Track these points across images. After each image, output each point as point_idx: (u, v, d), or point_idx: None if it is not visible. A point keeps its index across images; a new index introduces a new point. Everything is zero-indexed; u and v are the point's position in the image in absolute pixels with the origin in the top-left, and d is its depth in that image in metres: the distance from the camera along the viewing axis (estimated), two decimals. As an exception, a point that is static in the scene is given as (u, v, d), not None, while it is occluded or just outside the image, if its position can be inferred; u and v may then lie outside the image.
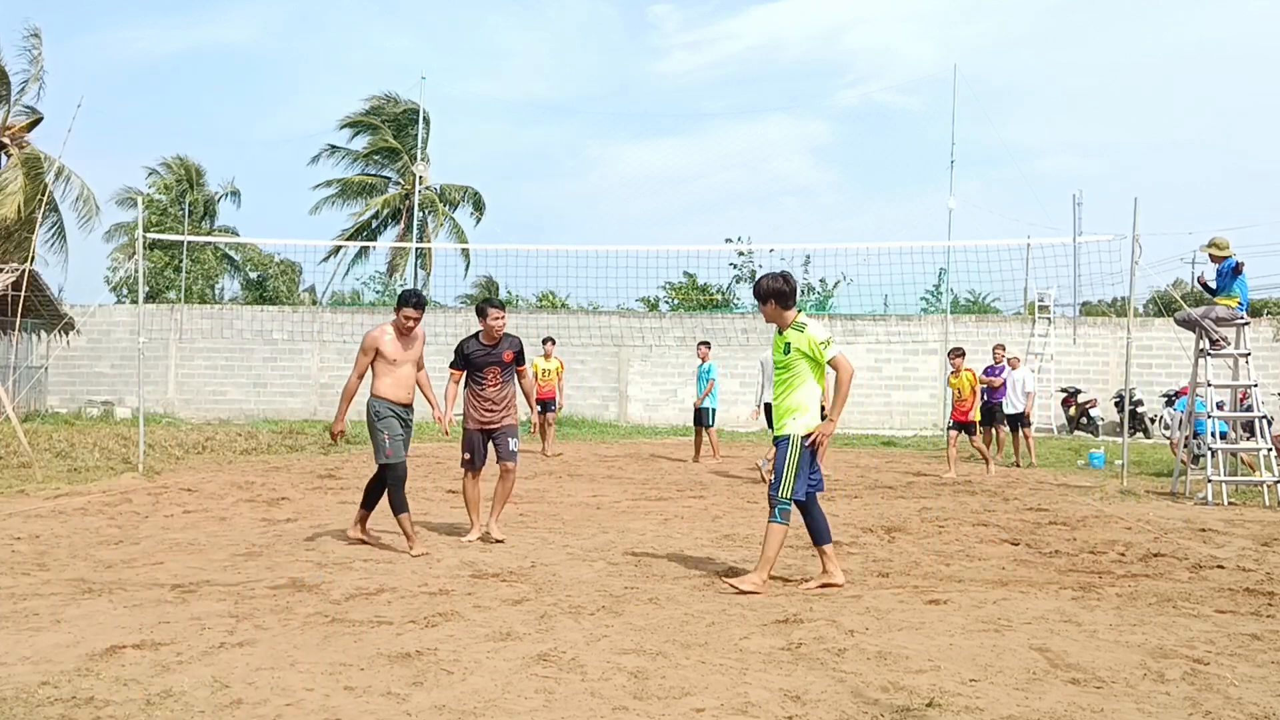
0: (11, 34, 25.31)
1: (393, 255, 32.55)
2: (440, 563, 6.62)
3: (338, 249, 31.99)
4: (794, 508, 5.84)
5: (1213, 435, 10.61)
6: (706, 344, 14.53)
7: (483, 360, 7.41)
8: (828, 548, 5.99)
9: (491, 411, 7.42)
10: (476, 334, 7.53)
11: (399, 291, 7.70)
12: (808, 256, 25.47)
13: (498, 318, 7.38)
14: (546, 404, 14.72)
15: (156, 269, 28.47)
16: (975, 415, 13.05)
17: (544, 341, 15.10)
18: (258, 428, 18.86)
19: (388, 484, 7.07)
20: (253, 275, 33.77)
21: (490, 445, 7.47)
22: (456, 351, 7.59)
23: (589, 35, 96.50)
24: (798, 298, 6.10)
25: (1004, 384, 14.87)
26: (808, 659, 4.45)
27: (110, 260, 32.71)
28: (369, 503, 7.30)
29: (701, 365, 14.38)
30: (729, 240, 26.90)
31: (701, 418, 14.22)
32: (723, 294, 26.95)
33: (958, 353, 13.20)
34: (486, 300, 7.62)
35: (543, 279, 27.43)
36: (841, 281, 25.04)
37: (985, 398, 15.54)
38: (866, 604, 5.51)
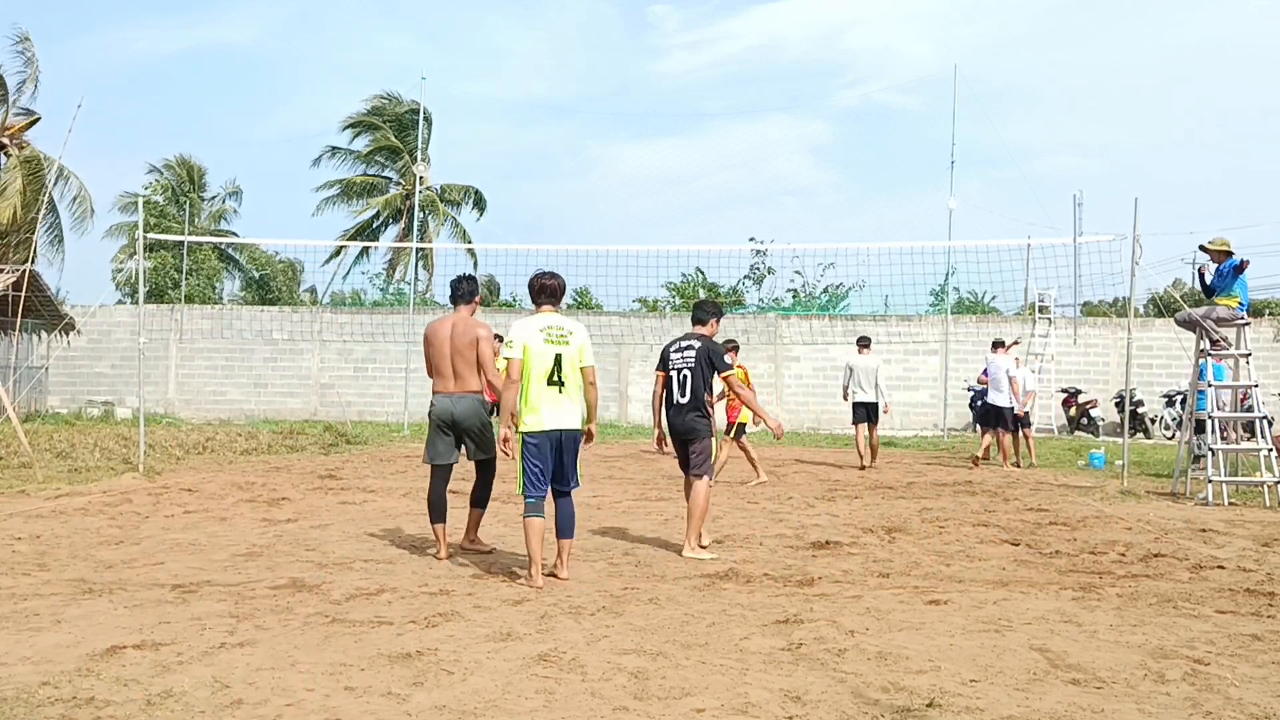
0: (5, 36, 25.34)
1: (394, 255, 32.59)
2: (440, 563, 6.62)
3: (339, 249, 32.03)
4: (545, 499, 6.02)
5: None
6: None
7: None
8: (565, 543, 6.16)
9: None
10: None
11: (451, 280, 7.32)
12: (831, 263, 25.61)
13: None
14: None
15: (158, 269, 28.47)
16: (744, 416, 11.66)
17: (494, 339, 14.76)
18: (258, 428, 18.87)
19: (486, 478, 7.05)
20: (255, 274, 33.75)
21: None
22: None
23: (589, 35, 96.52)
24: (560, 298, 6.22)
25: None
26: (808, 659, 4.45)
27: (114, 262, 32.74)
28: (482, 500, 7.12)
29: None
30: (751, 240, 26.93)
31: None
32: (734, 293, 26.91)
33: (731, 345, 11.35)
34: (711, 304, 7.53)
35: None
36: (856, 286, 25.10)
37: (983, 399, 15.55)
38: (867, 604, 5.51)
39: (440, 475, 6.90)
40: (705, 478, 7.05)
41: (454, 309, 7.01)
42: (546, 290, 6.15)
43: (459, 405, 6.76)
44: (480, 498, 7.07)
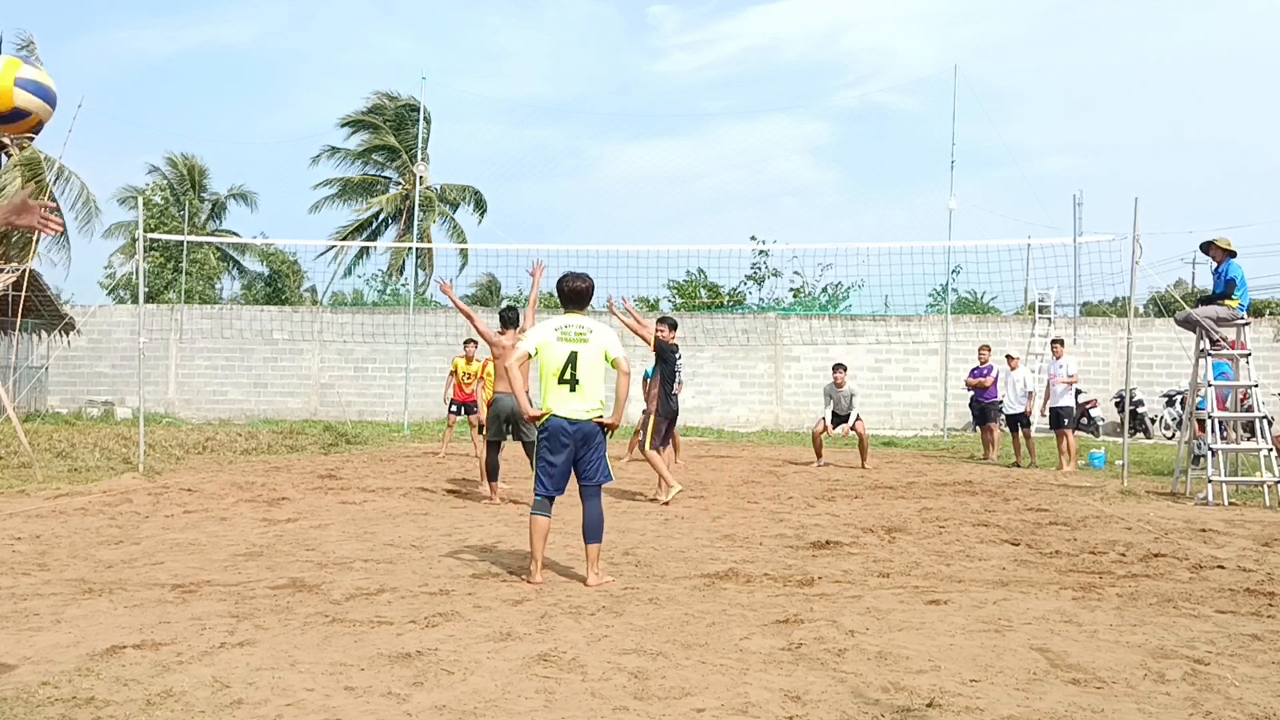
0: (10, 40, 25.43)
1: (393, 255, 32.57)
2: (440, 563, 6.62)
3: (333, 248, 32.01)
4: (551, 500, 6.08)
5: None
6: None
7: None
8: (592, 548, 6.06)
9: None
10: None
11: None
12: (830, 263, 25.66)
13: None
14: (469, 407, 14.40)
15: (155, 269, 28.47)
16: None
17: (465, 344, 14.65)
18: (258, 428, 18.87)
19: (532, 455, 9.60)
20: (264, 271, 33.63)
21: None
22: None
23: (588, 36, 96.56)
24: (586, 302, 6.30)
25: (994, 384, 14.89)
26: (808, 659, 4.45)
27: (109, 261, 32.75)
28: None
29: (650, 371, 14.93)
30: (753, 239, 26.94)
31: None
32: (734, 294, 26.90)
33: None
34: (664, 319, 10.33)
35: (544, 279, 27.39)
36: (855, 285, 25.14)
37: (976, 397, 15.56)
38: (867, 604, 5.51)
39: (494, 449, 9.70)
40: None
41: (503, 331, 9.60)
42: (575, 294, 6.18)
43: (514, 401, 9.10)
44: (493, 474, 9.80)
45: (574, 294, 6.17)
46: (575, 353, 5.97)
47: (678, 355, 10.23)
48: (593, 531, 6.06)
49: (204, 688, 3.96)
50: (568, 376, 5.96)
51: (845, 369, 14.35)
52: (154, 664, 4.26)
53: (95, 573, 6.15)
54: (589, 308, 6.32)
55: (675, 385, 10.19)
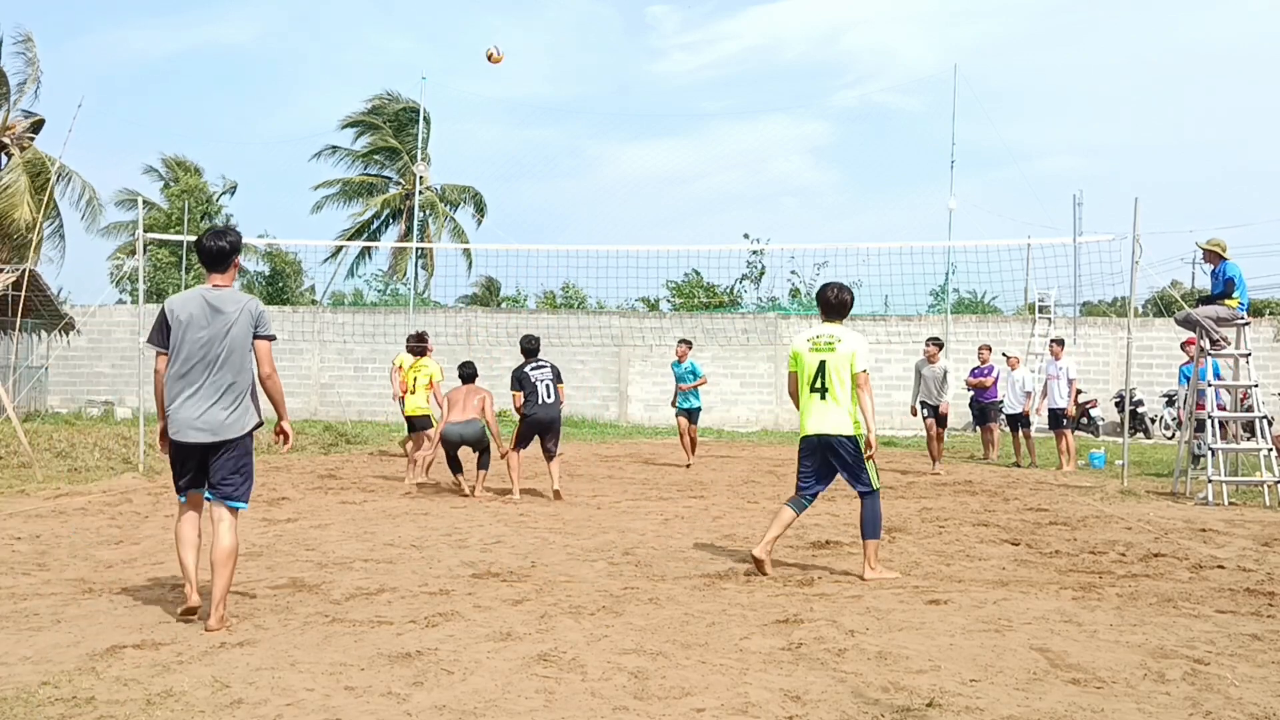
0: (8, 36, 25.68)
1: (393, 255, 32.57)
2: (440, 563, 6.62)
3: (338, 249, 32.01)
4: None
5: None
6: (687, 342, 14.37)
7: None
8: (869, 544, 6.35)
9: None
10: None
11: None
12: (825, 261, 25.65)
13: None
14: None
15: (162, 266, 28.49)
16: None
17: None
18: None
19: (484, 457, 10.43)
20: (267, 271, 33.57)
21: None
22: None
23: (588, 36, 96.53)
24: (841, 313, 6.53)
25: (994, 384, 14.89)
26: (808, 659, 4.45)
27: (112, 261, 32.77)
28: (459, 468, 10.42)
29: (680, 364, 14.13)
30: (746, 237, 26.94)
31: (692, 417, 14.09)
32: (730, 294, 26.92)
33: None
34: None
35: (544, 279, 27.47)
36: (853, 285, 25.10)
37: (976, 397, 15.54)
38: (867, 604, 5.51)
39: (453, 461, 10.35)
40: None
41: (462, 384, 10.34)
42: (839, 305, 6.44)
43: (466, 428, 10.14)
44: (483, 464, 10.37)
45: (838, 305, 6.43)
46: (824, 361, 6.26)
47: (532, 366, 10.07)
48: (867, 529, 6.29)
49: (204, 688, 3.96)
50: (818, 385, 6.27)
51: (940, 344, 13.46)
52: (154, 664, 4.26)
53: (95, 573, 6.15)
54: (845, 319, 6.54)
55: (544, 393, 9.98)
